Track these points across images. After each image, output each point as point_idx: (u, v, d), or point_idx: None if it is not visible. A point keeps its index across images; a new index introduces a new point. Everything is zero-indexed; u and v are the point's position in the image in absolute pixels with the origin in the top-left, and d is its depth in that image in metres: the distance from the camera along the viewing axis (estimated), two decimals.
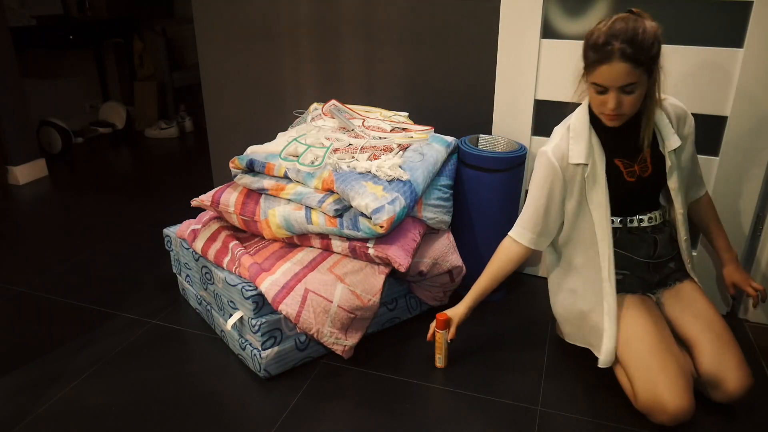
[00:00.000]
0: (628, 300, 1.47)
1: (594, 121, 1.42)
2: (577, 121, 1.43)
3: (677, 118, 1.45)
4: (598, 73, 1.28)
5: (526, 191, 2.05)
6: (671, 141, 1.42)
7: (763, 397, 1.51)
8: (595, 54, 1.27)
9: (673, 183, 1.45)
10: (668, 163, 1.44)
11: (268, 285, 1.50)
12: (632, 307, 1.45)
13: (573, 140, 1.42)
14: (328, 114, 1.98)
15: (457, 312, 1.56)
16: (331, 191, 1.61)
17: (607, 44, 1.24)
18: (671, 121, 1.44)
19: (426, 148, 1.76)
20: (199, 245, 1.72)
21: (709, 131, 1.73)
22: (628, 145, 1.43)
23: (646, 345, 1.37)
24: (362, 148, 1.76)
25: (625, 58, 1.23)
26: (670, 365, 1.33)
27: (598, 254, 1.45)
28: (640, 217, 1.47)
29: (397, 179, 1.62)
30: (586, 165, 1.41)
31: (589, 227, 1.46)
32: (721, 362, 1.37)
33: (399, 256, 1.54)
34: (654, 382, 1.33)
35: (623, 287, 1.50)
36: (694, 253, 1.84)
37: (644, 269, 1.50)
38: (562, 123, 1.49)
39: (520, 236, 1.53)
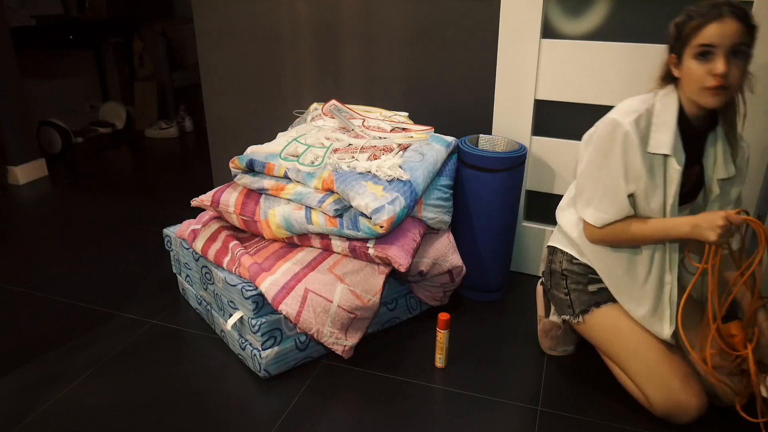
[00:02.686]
0: (623, 311, 1.43)
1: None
2: (664, 107, 1.27)
3: (736, 147, 1.34)
4: (705, 33, 1.16)
5: (527, 191, 2.06)
6: (726, 168, 1.32)
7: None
8: (701, 17, 1.17)
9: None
10: (713, 189, 1.35)
11: (268, 285, 1.50)
12: (629, 317, 1.42)
13: (657, 127, 1.27)
14: (328, 114, 1.98)
15: (715, 216, 1.23)
16: (331, 191, 1.61)
17: (715, 7, 1.16)
18: (732, 149, 1.33)
19: (426, 148, 1.76)
20: (199, 245, 1.72)
21: None
22: (687, 154, 1.31)
23: (652, 353, 1.36)
24: (362, 148, 1.76)
25: (738, 17, 1.14)
26: (678, 367, 1.34)
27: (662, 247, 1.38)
28: None
29: (397, 179, 1.62)
30: (664, 157, 1.28)
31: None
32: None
33: (399, 256, 1.54)
34: (669, 387, 1.32)
35: (609, 297, 1.45)
36: None
37: None
38: (634, 99, 1.31)
39: (606, 220, 1.34)
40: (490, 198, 1.81)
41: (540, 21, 1.79)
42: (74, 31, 3.64)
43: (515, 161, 1.78)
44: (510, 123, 1.95)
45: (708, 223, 1.22)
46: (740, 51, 1.16)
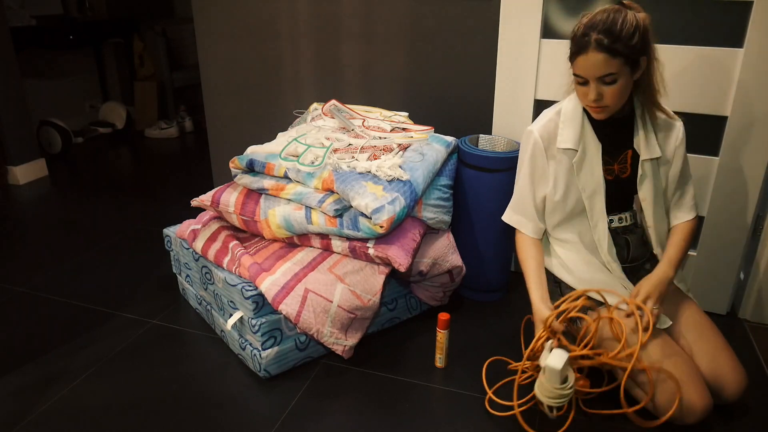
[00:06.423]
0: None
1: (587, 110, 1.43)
2: (570, 106, 1.43)
3: (666, 128, 1.44)
4: (576, 65, 1.29)
5: None
6: (649, 149, 1.41)
7: (763, 397, 1.51)
8: (574, 46, 1.29)
9: (643, 193, 1.43)
10: (640, 171, 1.42)
11: (268, 285, 1.50)
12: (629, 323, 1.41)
13: (563, 125, 1.42)
14: (328, 114, 1.98)
15: (545, 314, 1.39)
16: (331, 191, 1.61)
17: (585, 35, 1.25)
18: (656, 130, 1.43)
19: (426, 148, 1.76)
20: (199, 245, 1.72)
21: (709, 131, 1.73)
22: (614, 141, 1.42)
23: (654, 354, 1.35)
24: (362, 148, 1.76)
25: (601, 48, 1.23)
26: (683, 368, 1.33)
27: (593, 241, 1.45)
28: (610, 217, 1.45)
29: (397, 179, 1.62)
30: (575, 151, 1.41)
31: (580, 218, 1.46)
32: (718, 370, 1.37)
33: (399, 256, 1.54)
34: (673, 389, 1.32)
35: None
36: (693, 253, 1.84)
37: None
38: (551, 107, 1.47)
39: (520, 226, 1.53)
40: (490, 198, 1.81)
41: (540, 21, 1.79)
42: (74, 31, 3.63)
43: (515, 161, 1.78)
44: (510, 123, 1.95)
45: (539, 314, 1.40)
46: (609, 80, 1.27)
